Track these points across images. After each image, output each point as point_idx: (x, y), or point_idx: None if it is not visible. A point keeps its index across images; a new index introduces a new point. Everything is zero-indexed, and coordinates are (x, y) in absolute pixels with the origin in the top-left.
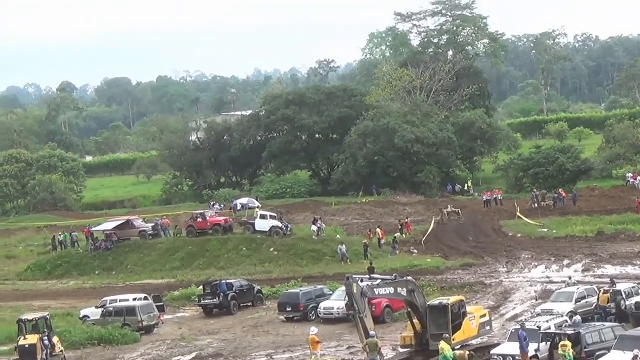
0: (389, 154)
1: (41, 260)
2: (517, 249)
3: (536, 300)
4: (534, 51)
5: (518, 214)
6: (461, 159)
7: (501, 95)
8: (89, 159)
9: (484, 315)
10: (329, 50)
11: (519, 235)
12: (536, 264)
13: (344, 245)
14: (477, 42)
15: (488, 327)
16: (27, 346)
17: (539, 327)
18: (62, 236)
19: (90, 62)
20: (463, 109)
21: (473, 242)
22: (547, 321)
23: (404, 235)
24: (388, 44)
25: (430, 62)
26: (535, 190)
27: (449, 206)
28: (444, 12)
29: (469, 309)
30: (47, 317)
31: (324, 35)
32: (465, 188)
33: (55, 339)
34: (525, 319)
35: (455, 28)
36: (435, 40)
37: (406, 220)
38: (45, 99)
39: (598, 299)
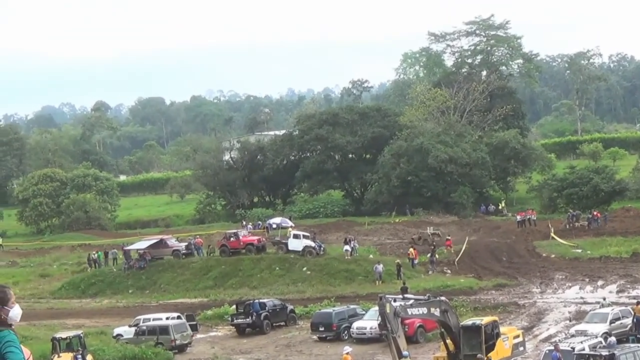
0: (422, 173)
1: (75, 279)
2: (550, 270)
3: (570, 321)
4: (568, 71)
5: (552, 234)
6: (495, 179)
7: (535, 116)
8: (122, 178)
9: (518, 336)
10: (363, 70)
11: (553, 256)
12: (570, 284)
13: (380, 265)
14: (511, 62)
15: (521, 348)
16: None
17: (573, 348)
18: (96, 255)
19: (124, 81)
20: (497, 129)
21: (506, 263)
22: (581, 342)
23: (436, 256)
24: (422, 64)
25: (464, 82)
26: (570, 210)
27: (428, 228)
28: (477, 32)
29: (502, 329)
30: (81, 335)
31: (358, 56)
32: (499, 208)
33: (88, 357)
34: (559, 340)
35: (489, 48)
36: (469, 60)
37: (448, 237)
38: (80, 119)
39: (633, 311)
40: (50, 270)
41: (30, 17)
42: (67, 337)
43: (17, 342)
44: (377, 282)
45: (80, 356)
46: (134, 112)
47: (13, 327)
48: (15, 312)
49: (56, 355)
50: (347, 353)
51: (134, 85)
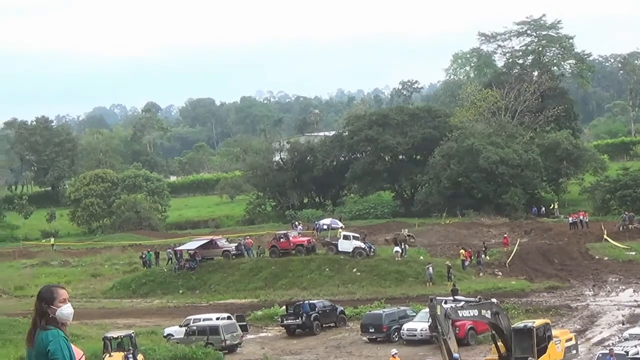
0: (473, 175)
1: (126, 279)
2: (603, 272)
3: (623, 324)
4: (621, 71)
5: (605, 236)
6: (546, 181)
7: (587, 116)
8: (173, 178)
9: (570, 339)
10: (413, 71)
11: (606, 258)
12: (624, 287)
13: (431, 266)
14: (562, 63)
15: (574, 351)
16: None
17: (627, 352)
18: (146, 255)
19: (174, 82)
20: (548, 130)
21: (558, 265)
22: (635, 346)
23: (487, 257)
24: (472, 64)
25: (515, 83)
26: (624, 212)
27: (404, 230)
28: (529, 32)
29: (554, 332)
30: (132, 335)
31: (408, 56)
32: (551, 209)
33: (139, 357)
34: (613, 344)
35: (540, 48)
36: (520, 61)
37: (504, 235)
38: (131, 119)
39: None
40: (102, 270)
41: (85, 17)
42: (118, 337)
43: (63, 341)
44: (427, 283)
45: (131, 356)
46: (184, 113)
47: (64, 326)
48: (65, 311)
49: (107, 355)
50: (394, 355)
51: (184, 86)
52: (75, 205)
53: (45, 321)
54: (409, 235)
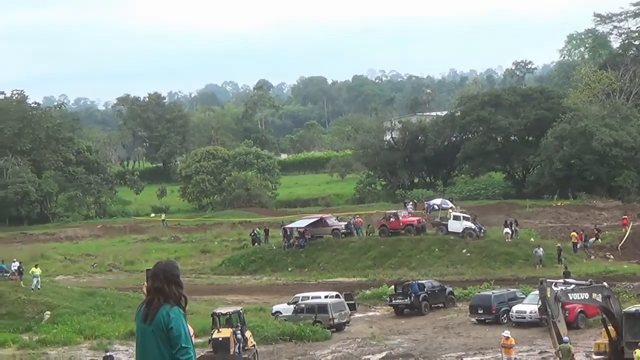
0: (586, 157)
1: (235, 256)
2: None
3: None
4: None
5: None
6: None
7: None
8: (283, 156)
9: None
10: (526, 51)
11: None
12: None
13: (541, 248)
14: None
15: None
16: (220, 339)
17: None
18: (255, 232)
19: (286, 60)
20: None
21: None
22: None
23: (599, 240)
24: (587, 45)
25: (631, 64)
26: None
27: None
28: None
29: None
30: (240, 311)
31: (521, 37)
32: None
33: (247, 333)
34: None
35: None
36: (637, 42)
37: (624, 217)
38: (242, 97)
39: None
40: (211, 246)
41: None
42: (226, 313)
43: (184, 319)
44: (537, 265)
45: (239, 332)
46: (296, 91)
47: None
48: None
49: (216, 331)
50: (508, 337)
51: (296, 64)
52: (186, 182)
53: (165, 298)
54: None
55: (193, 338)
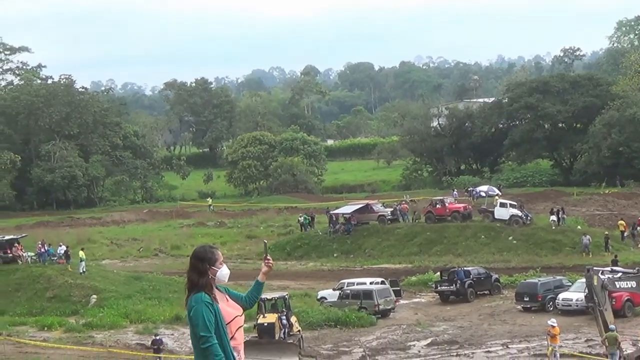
0: (635, 144)
1: (281, 241)
2: None
3: None
4: None
5: None
6: None
7: None
8: (330, 142)
9: None
10: (575, 38)
11: None
12: None
13: (587, 236)
14: None
15: None
16: (265, 324)
17: None
18: (302, 218)
19: (333, 46)
20: None
21: None
22: None
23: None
24: (637, 32)
25: None
26: None
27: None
28: None
29: None
30: (286, 296)
31: (570, 23)
32: None
33: (293, 319)
34: None
35: None
36: None
37: None
38: (289, 82)
39: None
40: (257, 231)
41: None
42: (272, 298)
43: (205, 307)
44: (584, 253)
45: (284, 317)
46: (343, 77)
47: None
48: (224, 271)
49: (261, 316)
50: (554, 325)
51: (342, 50)
52: (232, 167)
53: (190, 285)
54: (412, 200)
55: (233, 323)
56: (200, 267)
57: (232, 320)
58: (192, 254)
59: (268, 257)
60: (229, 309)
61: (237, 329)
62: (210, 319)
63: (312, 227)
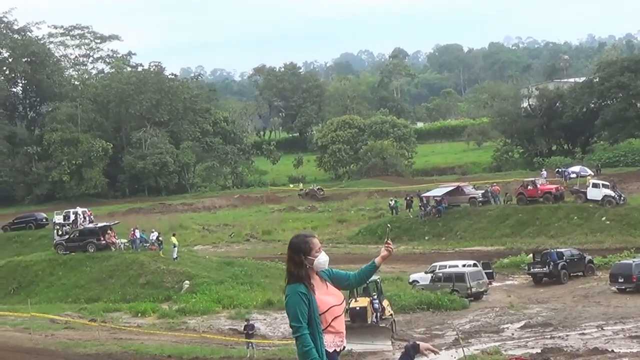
0: None
1: (372, 225)
2: None
3: None
4: None
5: None
6: None
7: None
8: (419, 125)
9: None
10: None
11: None
12: None
13: None
14: None
15: None
16: (357, 308)
17: None
18: (393, 201)
19: (421, 28)
20: None
21: None
22: None
23: None
24: None
25: None
26: None
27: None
28: None
29: None
30: (378, 280)
31: None
32: None
33: (385, 303)
34: None
35: None
36: None
37: None
38: (378, 65)
39: None
40: (348, 215)
41: None
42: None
43: (297, 297)
44: None
45: (376, 301)
46: (432, 59)
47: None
48: (321, 259)
49: (353, 300)
50: None
51: (431, 32)
52: (322, 151)
53: (287, 275)
54: (319, 188)
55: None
56: (296, 258)
57: (327, 310)
58: (288, 245)
59: (389, 242)
60: (326, 298)
61: (334, 318)
62: (303, 309)
63: (410, 209)
